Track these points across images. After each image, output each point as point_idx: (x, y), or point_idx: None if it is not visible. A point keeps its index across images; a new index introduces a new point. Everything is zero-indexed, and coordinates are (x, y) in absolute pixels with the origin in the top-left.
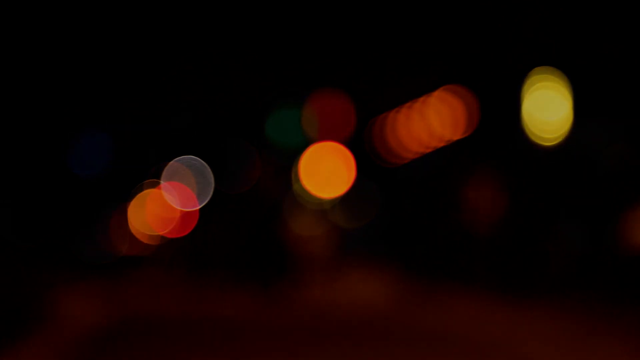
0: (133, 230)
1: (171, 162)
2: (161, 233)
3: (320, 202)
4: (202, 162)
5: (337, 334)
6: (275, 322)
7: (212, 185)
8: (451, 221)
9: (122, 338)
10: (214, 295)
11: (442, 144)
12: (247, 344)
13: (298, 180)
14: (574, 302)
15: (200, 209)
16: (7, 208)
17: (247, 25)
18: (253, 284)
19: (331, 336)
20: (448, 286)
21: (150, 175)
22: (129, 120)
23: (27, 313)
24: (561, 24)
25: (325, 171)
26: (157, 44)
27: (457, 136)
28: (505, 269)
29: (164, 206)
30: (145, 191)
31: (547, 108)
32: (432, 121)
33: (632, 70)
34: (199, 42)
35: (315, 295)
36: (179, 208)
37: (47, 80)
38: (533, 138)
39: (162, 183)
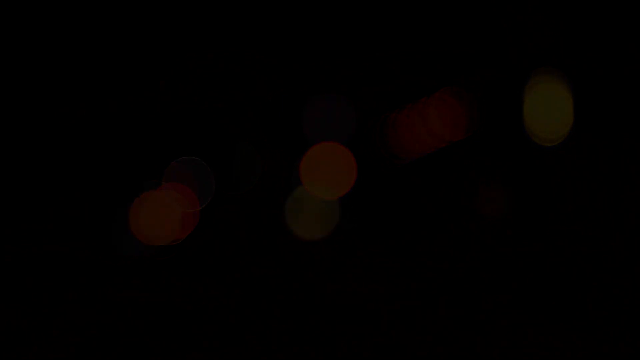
0: (134, 232)
1: (172, 162)
2: (163, 234)
3: (322, 203)
4: (204, 162)
5: (339, 334)
6: (276, 322)
7: (214, 186)
8: (453, 221)
9: (123, 339)
10: (214, 295)
11: (443, 145)
12: (248, 345)
13: (300, 181)
14: (575, 304)
15: (201, 209)
16: (6, 209)
17: (248, 24)
18: (254, 285)
19: (333, 336)
20: (449, 286)
21: (150, 176)
22: (129, 121)
23: (28, 315)
24: (563, 24)
25: (327, 172)
26: (157, 44)
27: (458, 137)
28: (505, 270)
29: (164, 207)
30: (146, 192)
31: (549, 109)
32: (433, 122)
33: (633, 70)
34: (200, 41)
35: (318, 296)
36: (180, 209)
37: (45, 80)
38: (535, 139)
39: (163, 184)
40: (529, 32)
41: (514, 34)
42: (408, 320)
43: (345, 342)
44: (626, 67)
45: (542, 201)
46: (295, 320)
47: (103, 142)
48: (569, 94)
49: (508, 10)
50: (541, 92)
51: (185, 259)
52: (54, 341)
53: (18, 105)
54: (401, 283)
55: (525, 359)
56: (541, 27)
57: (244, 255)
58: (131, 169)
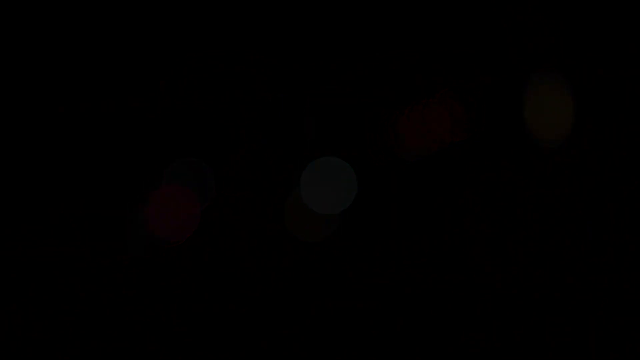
0: (133, 232)
1: (172, 163)
2: (163, 235)
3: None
4: (204, 162)
5: (339, 335)
6: (276, 323)
7: (214, 186)
8: (453, 221)
9: (123, 339)
10: (214, 296)
11: (444, 146)
12: (248, 346)
13: (299, 185)
14: (575, 304)
15: (202, 211)
16: (6, 209)
17: (248, 24)
18: (254, 286)
19: (333, 337)
20: (449, 284)
21: (150, 176)
22: (129, 121)
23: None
24: (563, 24)
25: (328, 189)
26: (157, 44)
27: (459, 138)
28: (505, 270)
29: (164, 208)
30: (146, 193)
31: (549, 109)
32: (434, 123)
33: (633, 70)
34: (200, 41)
35: (318, 296)
36: (180, 210)
37: (46, 80)
38: (535, 139)
39: (163, 184)
40: (529, 32)
41: (514, 34)
42: (408, 321)
43: (345, 343)
44: (626, 67)
45: (542, 201)
46: (295, 321)
47: (103, 142)
48: (569, 94)
49: (508, 10)
50: (541, 93)
51: (185, 259)
52: (54, 341)
53: (18, 105)
54: (401, 284)
55: (525, 358)
56: (541, 27)
57: (244, 256)
58: (131, 170)
